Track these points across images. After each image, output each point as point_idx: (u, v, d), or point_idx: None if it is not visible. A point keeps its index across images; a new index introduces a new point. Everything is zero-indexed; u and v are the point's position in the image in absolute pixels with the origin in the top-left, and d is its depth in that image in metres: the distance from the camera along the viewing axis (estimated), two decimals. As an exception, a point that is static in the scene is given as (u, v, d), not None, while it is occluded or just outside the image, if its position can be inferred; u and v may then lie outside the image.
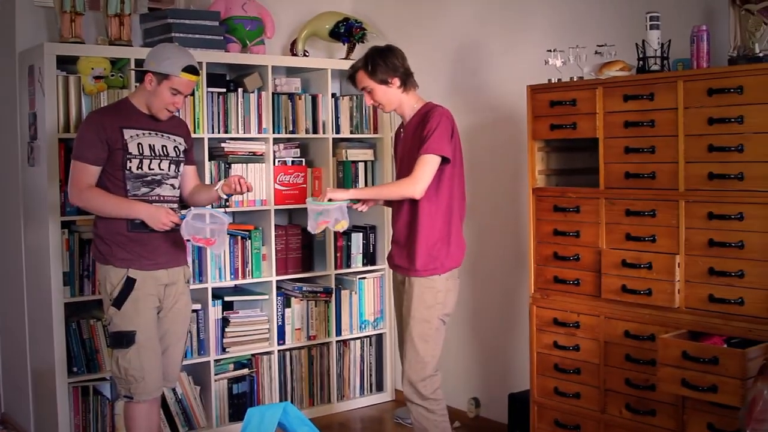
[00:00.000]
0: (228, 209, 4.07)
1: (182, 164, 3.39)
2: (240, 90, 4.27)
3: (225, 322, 4.21)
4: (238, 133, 4.25)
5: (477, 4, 4.22)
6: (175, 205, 3.37)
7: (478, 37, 4.22)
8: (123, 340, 3.18)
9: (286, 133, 4.43)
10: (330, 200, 3.16)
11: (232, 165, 4.20)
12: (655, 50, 3.05)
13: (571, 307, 3.26)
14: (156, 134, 3.30)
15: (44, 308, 3.80)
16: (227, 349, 4.21)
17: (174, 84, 3.20)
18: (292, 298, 4.43)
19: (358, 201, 3.35)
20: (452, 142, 3.23)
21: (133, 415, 3.26)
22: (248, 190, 3.37)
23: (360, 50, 4.42)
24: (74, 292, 3.81)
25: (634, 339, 3.04)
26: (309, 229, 3.22)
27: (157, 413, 3.39)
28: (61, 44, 3.79)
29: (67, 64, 3.81)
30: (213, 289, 4.16)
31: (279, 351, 4.39)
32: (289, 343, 4.42)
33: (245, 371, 4.30)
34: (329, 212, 3.16)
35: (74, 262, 3.81)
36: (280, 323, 4.37)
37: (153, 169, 3.27)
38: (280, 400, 4.36)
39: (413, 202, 3.26)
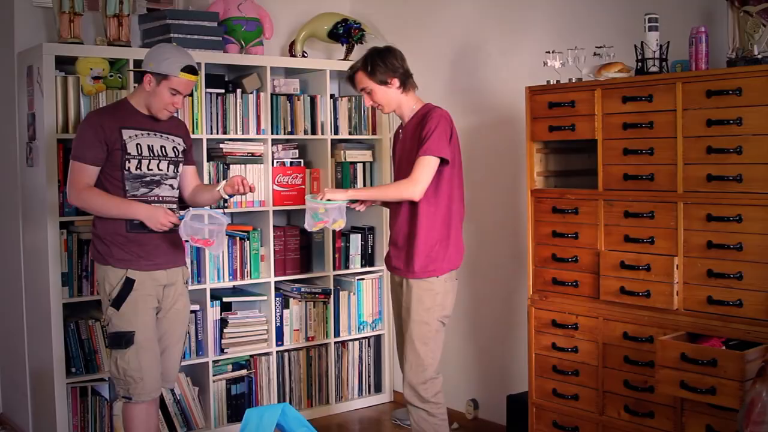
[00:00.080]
0: (226, 210, 4.07)
1: (181, 165, 3.39)
2: (238, 91, 4.27)
3: (223, 323, 4.21)
4: (236, 133, 4.25)
5: (475, 5, 4.22)
6: (174, 206, 3.37)
7: (476, 38, 4.22)
8: (122, 340, 3.18)
9: (284, 134, 4.43)
10: (328, 200, 3.16)
11: (231, 166, 4.20)
12: (654, 52, 3.05)
13: (569, 309, 3.26)
14: (155, 135, 3.30)
15: (43, 309, 3.80)
16: (226, 350, 4.21)
17: (173, 84, 3.20)
18: (291, 299, 4.43)
19: (356, 200, 3.35)
20: (451, 144, 3.23)
21: (131, 416, 3.26)
22: (251, 191, 3.38)
23: (358, 51, 4.42)
24: (73, 292, 3.81)
25: (632, 341, 3.04)
26: (306, 226, 3.21)
27: (155, 414, 3.38)
28: (60, 45, 3.79)
29: (65, 64, 3.81)
30: (211, 290, 4.16)
31: (277, 352, 4.39)
32: (287, 344, 4.42)
33: (244, 372, 4.30)
34: (327, 212, 3.16)
35: (73, 262, 3.81)
36: (278, 324, 4.37)
37: (152, 170, 3.27)
38: (279, 401, 4.36)
39: (412, 204, 3.25)
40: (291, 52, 4.63)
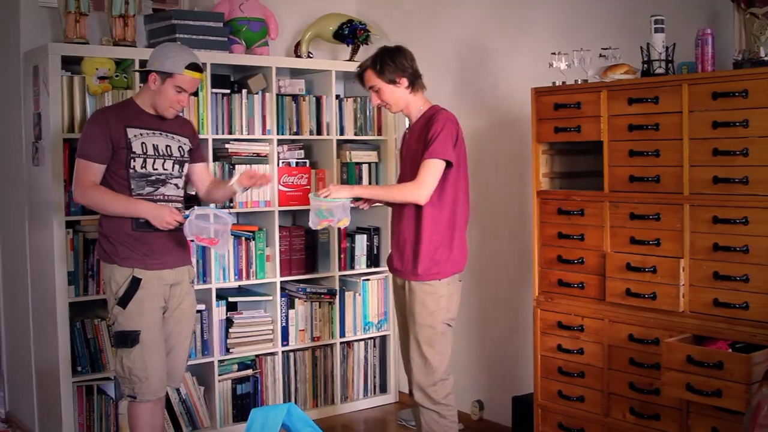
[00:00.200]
0: (232, 210, 4.08)
1: (186, 164, 3.39)
2: (244, 91, 4.27)
3: (229, 322, 4.22)
4: (242, 134, 4.26)
5: (481, 6, 4.22)
6: (180, 205, 3.37)
7: (482, 39, 4.22)
8: (127, 339, 3.19)
9: (290, 134, 4.43)
10: (333, 198, 3.15)
11: (236, 166, 4.21)
12: (660, 53, 3.04)
13: (575, 311, 3.26)
14: (160, 134, 3.30)
15: (49, 308, 3.81)
16: (231, 350, 4.22)
17: (178, 82, 3.21)
18: (296, 300, 4.43)
19: (360, 198, 3.34)
20: (456, 147, 3.21)
21: (136, 415, 3.27)
22: (268, 182, 3.45)
23: (364, 52, 4.43)
24: (79, 291, 3.82)
25: (638, 343, 3.04)
26: (310, 224, 3.20)
27: (161, 413, 3.40)
28: (66, 45, 3.79)
29: (71, 64, 3.81)
30: (217, 289, 4.17)
31: (283, 352, 4.39)
32: (292, 344, 4.42)
33: (249, 372, 4.30)
34: (332, 210, 3.15)
35: (79, 261, 3.82)
36: (284, 324, 4.38)
37: (157, 169, 3.27)
38: (284, 401, 4.36)
39: (416, 206, 3.24)
40: (296, 52, 4.64)
